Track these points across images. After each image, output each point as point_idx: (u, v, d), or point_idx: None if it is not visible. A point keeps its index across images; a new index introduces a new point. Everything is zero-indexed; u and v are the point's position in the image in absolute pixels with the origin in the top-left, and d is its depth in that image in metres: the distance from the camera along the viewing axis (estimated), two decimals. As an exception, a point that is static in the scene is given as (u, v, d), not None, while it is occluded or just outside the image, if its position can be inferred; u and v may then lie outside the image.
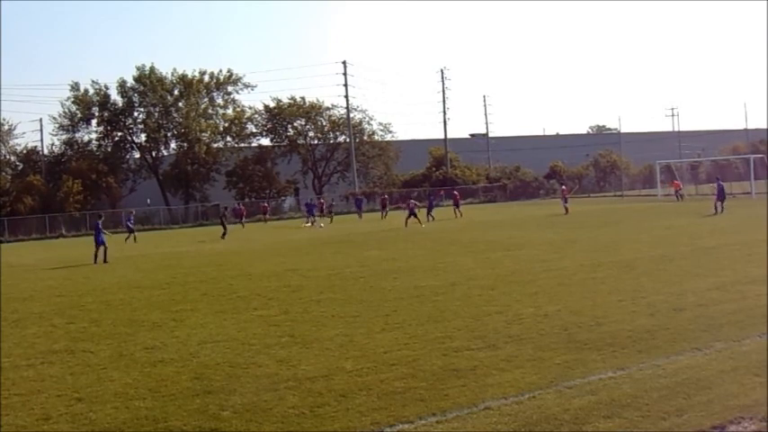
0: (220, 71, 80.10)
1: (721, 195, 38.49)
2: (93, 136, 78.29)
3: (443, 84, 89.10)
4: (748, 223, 28.98)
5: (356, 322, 13.06)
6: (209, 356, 11.03)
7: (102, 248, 29.44)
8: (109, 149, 77.95)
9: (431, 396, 8.30)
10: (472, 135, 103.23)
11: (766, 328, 10.49)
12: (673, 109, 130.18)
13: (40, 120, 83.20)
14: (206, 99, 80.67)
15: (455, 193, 55.84)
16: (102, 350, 12.00)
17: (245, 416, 8.05)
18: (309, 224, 50.86)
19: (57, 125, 76.23)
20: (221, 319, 14.36)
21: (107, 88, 77.07)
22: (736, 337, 10.17)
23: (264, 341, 11.90)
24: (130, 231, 45.76)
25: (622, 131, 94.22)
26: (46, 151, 77.92)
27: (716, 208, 37.55)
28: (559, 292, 14.93)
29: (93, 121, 77.57)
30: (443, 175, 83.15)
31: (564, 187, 51.64)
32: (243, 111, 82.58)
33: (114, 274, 24.68)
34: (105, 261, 29.00)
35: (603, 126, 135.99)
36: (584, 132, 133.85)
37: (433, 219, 46.87)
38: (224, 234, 42.09)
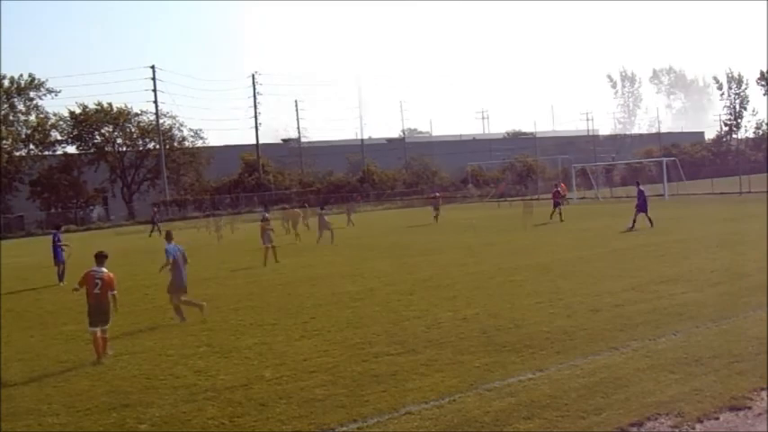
0: (21, 75, 76.40)
1: (643, 205, 30.63)
2: None
3: (254, 89, 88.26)
4: (661, 225, 29.83)
5: (275, 330, 12.99)
6: (124, 369, 10.81)
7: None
8: None
9: (351, 402, 8.31)
10: (284, 140, 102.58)
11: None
12: (587, 113, 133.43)
13: None
14: (6, 105, 76.28)
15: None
16: (12, 366, 11.64)
17: (164, 428, 7.93)
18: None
19: None
20: (136, 330, 14.08)
21: None
22: (651, 336, 10.48)
23: (182, 351, 11.73)
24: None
25: (537, 135, 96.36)
26: None
27: (634, 221, 30.04)
28: (477, 296, 15.11)
29: None
30: (257, 181, 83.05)
31: (563, 185, 49.89)
32: (46, 117, 78.72)
33: None
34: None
35: (519, 131, 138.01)
36: (501, 137, 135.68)
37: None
38: (154, 230, 38.82)
